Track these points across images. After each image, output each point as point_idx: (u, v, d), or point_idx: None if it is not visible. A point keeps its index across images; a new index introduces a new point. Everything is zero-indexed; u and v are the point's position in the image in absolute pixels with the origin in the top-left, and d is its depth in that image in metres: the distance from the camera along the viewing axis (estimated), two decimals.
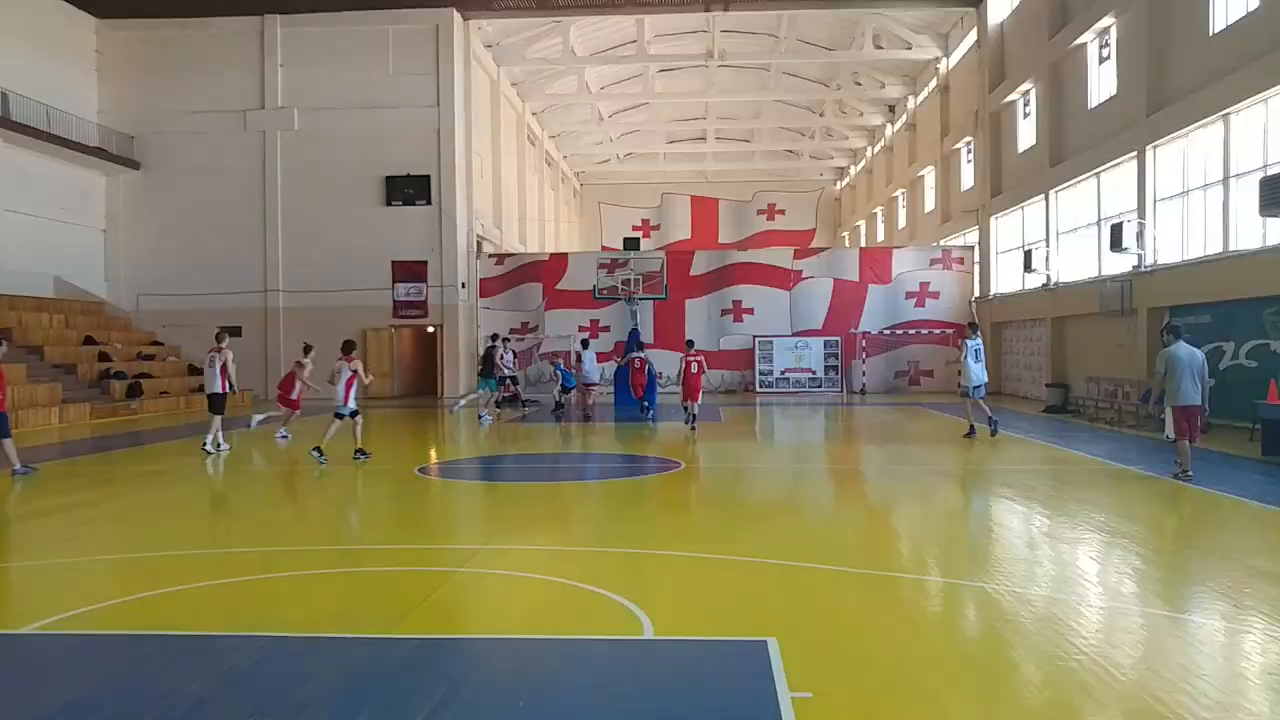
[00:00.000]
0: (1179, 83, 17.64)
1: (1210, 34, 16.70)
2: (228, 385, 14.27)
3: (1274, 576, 6.46)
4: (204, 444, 14.14)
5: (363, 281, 28.32)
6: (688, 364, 17.19)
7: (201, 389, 26.46)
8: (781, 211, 52.96)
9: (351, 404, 13.04)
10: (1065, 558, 7.31)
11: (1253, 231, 15.36)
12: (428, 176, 28.33)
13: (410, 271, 28.50)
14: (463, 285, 28.79)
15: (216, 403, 14.27)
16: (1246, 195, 15.28)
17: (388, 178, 28.36)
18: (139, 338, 27.71)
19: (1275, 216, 14.04)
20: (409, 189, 28.35)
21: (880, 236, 43.42)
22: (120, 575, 7.00)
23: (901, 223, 39.69)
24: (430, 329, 29.34)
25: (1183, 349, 10.71)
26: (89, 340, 25.37)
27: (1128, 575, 6.82)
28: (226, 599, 6.18)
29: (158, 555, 7.57)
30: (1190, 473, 10.58)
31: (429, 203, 28.36)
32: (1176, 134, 17.56)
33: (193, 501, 10.53)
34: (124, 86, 28.74)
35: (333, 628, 5.44)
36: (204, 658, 4.92)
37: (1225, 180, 16.16)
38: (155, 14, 28.23)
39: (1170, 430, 11.25)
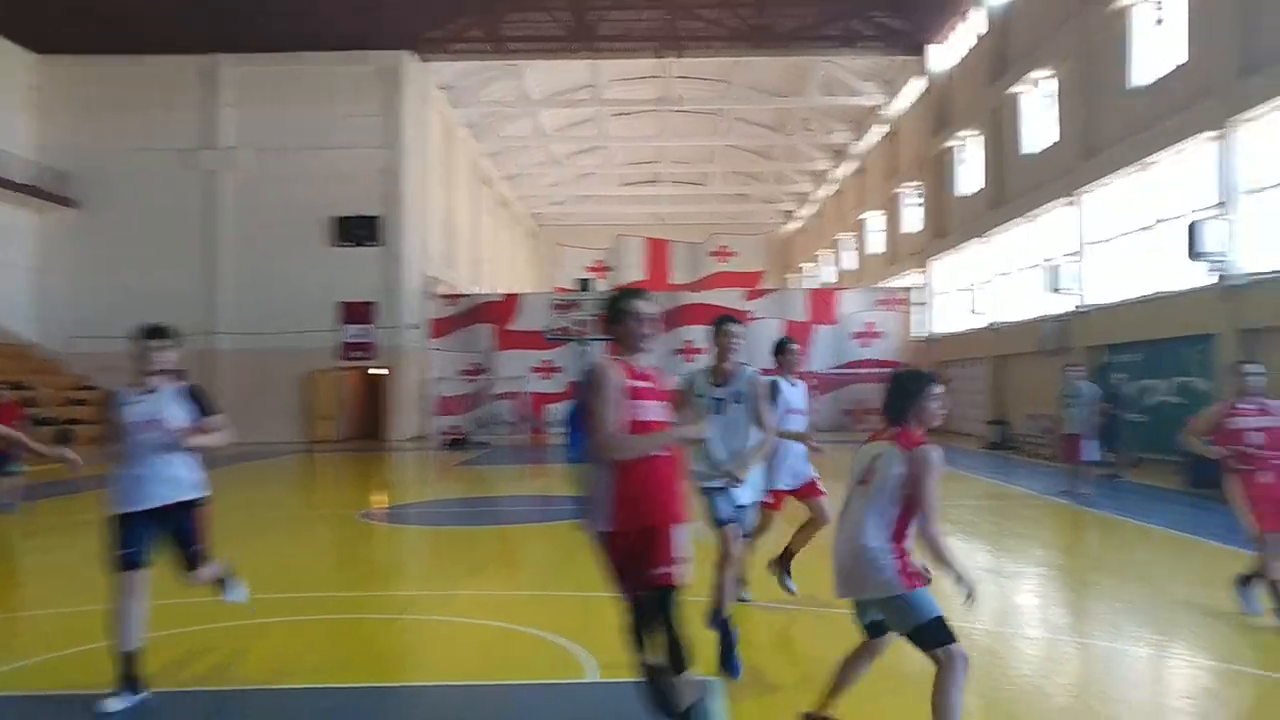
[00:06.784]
0: (1107, 132, 18.44)
1: (1128, 88, 17.55)
2: None
3: (1195, 605, 6.67)
4: None
5: (311, 323, 27.88)
6: None
7: None
8: (733, 253, 53.64)
9: None
10: (1005, 591, 7.44)
11: (1183, 273, 15.98)
12: (377, 217, 28.20)
13: (358, 313, 28.21)
14: (415, 327, 28.57)
15: None
16: (1175, 239, 15.93)
17: (338, 218, 28.18)
18: (69, 381, 26.81)
19: (1204, 261, 14.68)
20: (359, 229, 28.17)
21: (832, 277, 44.24)
22: (39, 631, 6.73)
23: (850, 264, 40.50)
24: (376, 371, 28.96)
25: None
26: (14, 385, 24.44)
27: (1062, 606, 6.98)
28: (158, 653, 5.97)
29: (83, 609, 7.30)
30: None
31: (379, 243, 28.20)
32: (1105, 180, 18.32)
33: None
34: (63, 123, 28.13)
35: (271, 680, 5.30)
36: (140, 717, 4.74)
37: (1152, 226, 16.86)
38: (99, 50, 27.83)
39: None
